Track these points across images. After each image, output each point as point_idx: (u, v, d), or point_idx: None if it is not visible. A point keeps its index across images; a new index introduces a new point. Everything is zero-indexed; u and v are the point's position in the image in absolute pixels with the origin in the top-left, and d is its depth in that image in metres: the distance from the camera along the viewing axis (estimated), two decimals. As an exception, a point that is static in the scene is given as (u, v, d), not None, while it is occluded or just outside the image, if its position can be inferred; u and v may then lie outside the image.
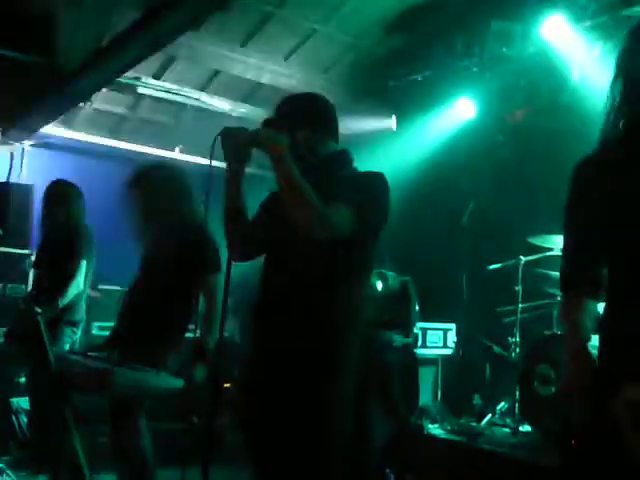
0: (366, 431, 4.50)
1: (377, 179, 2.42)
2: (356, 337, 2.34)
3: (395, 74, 6.51)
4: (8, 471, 4.11)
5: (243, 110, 6.63)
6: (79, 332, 4.75)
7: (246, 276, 2.70)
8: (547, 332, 4.84)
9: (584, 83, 5.35)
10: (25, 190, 6.01)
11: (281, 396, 2.29)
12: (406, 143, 6.61)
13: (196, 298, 3.58)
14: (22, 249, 5.67)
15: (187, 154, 7.18)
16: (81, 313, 4.75)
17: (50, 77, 5.24)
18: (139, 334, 3.46)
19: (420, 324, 5.50)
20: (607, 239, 1.79)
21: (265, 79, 6.40)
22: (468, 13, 5.80)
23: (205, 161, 6.47)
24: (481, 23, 5.72)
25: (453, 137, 6.50)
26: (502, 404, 4.86)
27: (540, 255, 5.02)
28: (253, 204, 2.61)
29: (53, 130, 6.48)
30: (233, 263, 2.24)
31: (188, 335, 3.62)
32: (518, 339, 4.98)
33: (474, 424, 4.72)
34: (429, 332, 5.61)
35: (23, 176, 6.60)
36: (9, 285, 5.55)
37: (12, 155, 6.62)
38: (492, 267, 5.30)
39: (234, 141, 2.26)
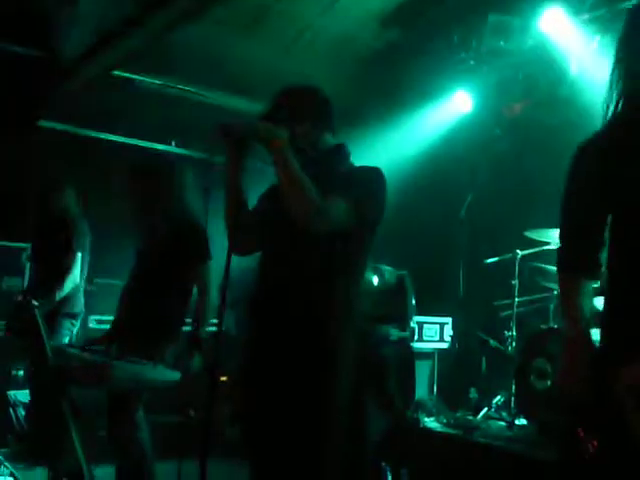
0: (362, 425, 4.51)
1: (374, 174, 2.43)
2: (353, 331, 2.35)
3: (392, 67, 6.50)
4: (6, 463, 4.12)
5: (240, 103, 6.61)
6: (78, 324, 4.77)
7: (243, 270, 2.70)
8: (543, 326, 4.86)
9: (582, 76, 5.34)
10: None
11: (278, 389, 2.30)
12: (404, 136, 6.60)
13: (191, 289, 3.59)
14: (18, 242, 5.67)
15: (183, 147, 7.16)
16: (79, 306, 4.77)
17: (48, 71, 5.23)
18: (136, 327, 3.47)
19: (417, 318, 5.51)
20: (608, 221, 1.80)
21: (262, 72, 6.38)
22: (465, 6, 5.78)
23: (201, 155, 6.47)
24: (479, 16, 5.70)
25: (451, 130, 6.49)
26: (498, 398, 4.87)
27: (537, 249, 5.02)
28: (253, 197, 2.61)
29: (50, 124, 6.46)
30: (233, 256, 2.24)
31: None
32: (514, 333, 4.99)
33: (470, 418, 4.73)
34: (425, 326, 5.61)
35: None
36: (6, 278, 5.55)
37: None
38: (489, 261, 5.32)
39: (234, 135, 2.26)
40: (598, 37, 5.21)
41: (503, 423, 4.62)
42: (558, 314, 4.85)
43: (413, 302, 5.45)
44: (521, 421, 4.54)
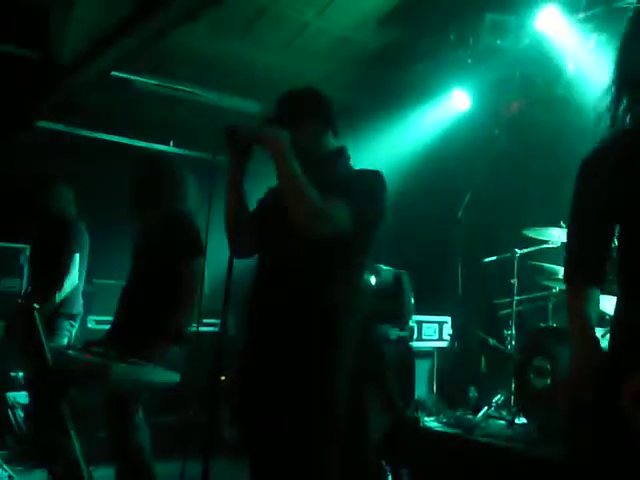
0: (364, 425, 4.51)
1: (375, 177, 2.44)
2: (353, 333, 2.35)
3: (389, 67, 6.50)
4: (5, 466, 4.12)
5: (238, 103, 6.62)
6: (77, 325, 4.77)
7: (243, 271, 2.70)
8: (543, 325, 4.86)
9: (579, 75, 5.35)
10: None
11: (277, 391, 2.29)
12: (401, 136, 6.60)
13: (188, 287, 3.58)
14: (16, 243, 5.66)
15: (181, 148, 7.16)
16: (78, 307, 4.77)
17: (45, 71, 5.22)
18: (135, 328, 3.47)
19: (416, 317, 5.51)
20: (619, 229, 1.80)
21: (260, 73, 6.39)
22: (462, 5, 5.78)
23: (199, 155, 6.47)
24: (475, 15, 5.70)
25: (448, 129, 6.50)
26: (498, 396, 4.87)
27: (535, 247, 5.03)
28: (252, 200, 2.61)
29: (48, 124, 6.45)
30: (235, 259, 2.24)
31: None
32: (514, 332, 4.99)
33: (470, 417, 4.72)
34: (425, 325, 5.61)
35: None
36: (4, 279, 5.54)
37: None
38: (487, 260, 5.32)
39: (237, 137, 2.26)
40: (594, 35, 5.22)
41: (503, 422, 4.62)
42: (558, 312, 4.86)
43: (412, 301, 5.45)
44: (521, 420, 4.54)
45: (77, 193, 4.99)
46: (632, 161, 1.77)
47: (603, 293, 1.94)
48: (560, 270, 4.60)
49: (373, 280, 5.11)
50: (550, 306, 4.98)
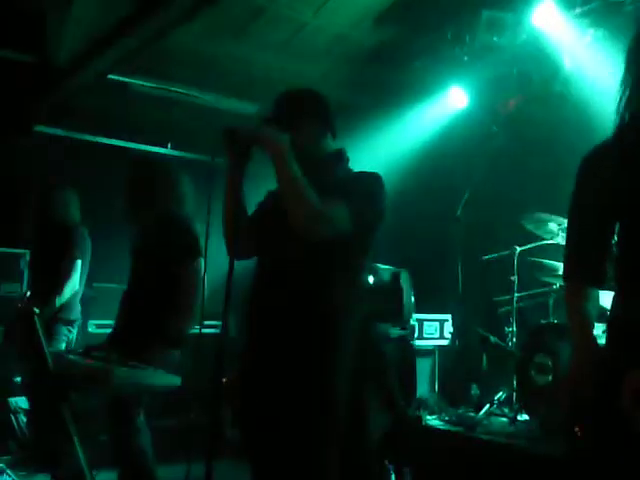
0: (364, 425, 4.52)
1: (373, 179, 2.43)
2: (352, 335, 2.35)
3: (386, 65, 6.50)
4: (8, 471, 4.11)
5: (235, 105, 6.61)
6: (75, 331, 4.77)
7: (243, 273, 2.70)
8: (543, 321, 4.86)
9: (577, 71, 5.35)
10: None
11: (277, 393, 2.30)
12: (399, 134, 6.60)
13: (187, 289, 3.58)
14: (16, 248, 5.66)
15: (179, 150, 7.16)
16: (76, 312, 4.77)
17: (42, 75, 5.22)
18: (136, 332, 3.47)
19: (416, 315, 5.51)
20: (619, 227, 1.80)
21: (257, 73, 6.38)
22: (458, 2, 5.78)
23: (197, 157, 6.47)
24: (472, 12, 5.70)
25: (446, 127, 6.50)
26: (500, 394, 4.86)
27: (535, 244, 5.03)
28: (251, 203, 2.61)
29: (47, 129, 6.45)
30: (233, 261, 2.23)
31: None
32: (515, 328, 4.99)
33: (472, 414, 4.72)
34: (425, 323, 5.62)
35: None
36: (4, 284, 5.54)
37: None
38: (487, 257, 5.32)
39: (236, 139, 2.25)
40: (591, 31, 5.21)
41: (505, 419, 4.62)
42: (559, 309, 4.86)
43: (412, 300, 5.45)
44: (523, 416, 4.54)
45: (76, 197, 4.99)
46: (635, 158, 1.76)
47: (604, 289, 1.94)
48: (560, 266, 4.60)
49: (371, 279, 5.11)
50: (551, 302, 4.97)
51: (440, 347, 5.66)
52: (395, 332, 5.27)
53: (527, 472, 3.81)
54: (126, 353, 3.11)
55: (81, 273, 4.68)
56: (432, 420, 4.71)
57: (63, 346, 4.63)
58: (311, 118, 2.47)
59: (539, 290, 5.09)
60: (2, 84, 5.43)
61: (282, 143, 2.22)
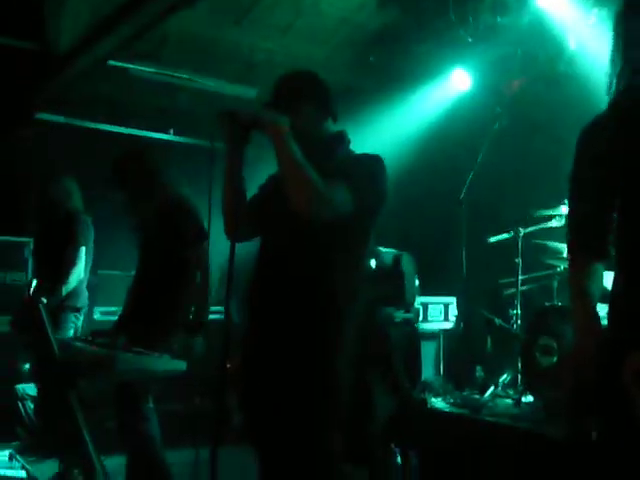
0: (369, 408, 4.53)
1: (375, 161, 2.41)
2: (355, 319, 2.34)
3: (390, 47, 6.46)
4: (18, 457, 4.15)
5: (238, 90, 6.58)
6: (82, 318, 4.79)
7: (246, 258, 2.70)
8: (548, 303, 4.85)
9: (581, 50, 5.30)
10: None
11: (279, 378, 2.30)
12: (402, 117, 6.57)
13: (194, 276, 3.59)
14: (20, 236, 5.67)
15: (181, 136, 7.15)
16: (83, 299, 4.79)
17: (42, 63, 5.21)
18: (141, 318, 3.49)
19: (421, 299, 5.51)
20: (619, 202, 1.79)
21: (259, 57, 6.35)
22: (462, -16, 5.74)
23: (199, 142, 6.45)
24: (475, -7, 5.66)
25: (450, 109, 6.46)
26: (504, 376, 4.87)
27: (540, 226, 5.01)
28: (253, 187, 2.60)
29: (48, 116, 6.44)
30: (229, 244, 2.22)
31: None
32: (519, 311, 4.98)
33: (477, 396, 4.73)
34: (430, 306, 5.62)
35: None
36: (9, 273, 5.55)
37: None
38: (491, 240, 5.30)
39: (234, 122, 2.23)
40: (595, 10, 5.16)
41: (510, 401, 4.62)
42: (563, 291, 4.85)
43: (416, 283, 5.45)
44: (528, 398, 4.55)
45: (79, 184, 4.99)
46: (630, 132, 1.75)
47: (606, 269, 1.93)
48: (564, 248, 4.59)
49: (373, 263, 5.10)
50: (555, 285, 4.96)
51: (445, 330, 5.67)
52: (400, 316, 5.27)
53: (532, 454, 3.82)
54: (133, 339, 3.13)
55: (85, 260, 4.69)
56: (437, 403, 4.72)
57: (71, 333, 4.66)
58: (310, 100, 2.45)
59: (543, 272, 5.08)
60: (2, 72, 5.42)
61: (281, 125, 2.20)
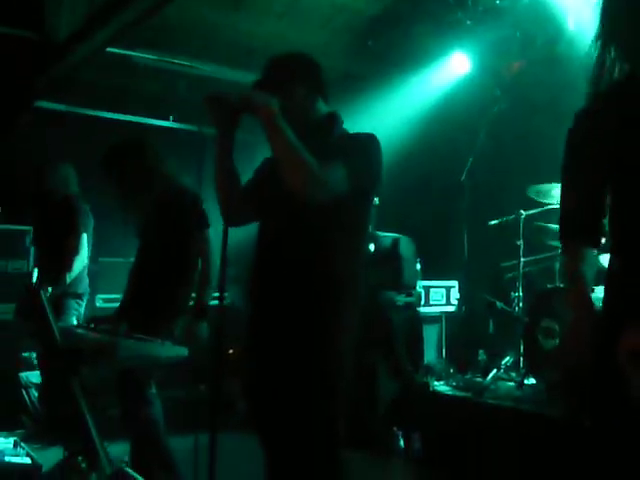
0: (373, 391, 4.55)
1: (369, 140, 2.38)
2: (355, 300, 2.33)
3: (388, 32, 6.42)
4: (22, 444, 4.17)
5: (238, 76, 6.56)
6: (84, 305, 4.80)
7: (248, 243, 2.70)
8: (550, 285, 4.86)
9: (580, 32, 5.27)
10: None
11: (280, 364, 2.29)
12: (402, 101, 6.55)
13: (195, 261, 3.59)
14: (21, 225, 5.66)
15: (181, 122, 7.13)
16: (84, 286, 4.81)
17: (41, 51, 5.18)
18: (142, 304, 3.49)
19: (423, 282, 5.52)
20: (612, 187, 1.78)
21: (258, 43, 6.32)
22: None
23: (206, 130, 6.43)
24: (474, -25, 5.63)
25: (449, 93, 6.44)
26: (507, 359, 4.89)
27: (540, 209, 5.01)
28: (249, 171, 2.59)
29: (48, 104, 6.42)
30: (231, 229, 2.21)
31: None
32: (521, 293, 4.99)
33: (479, 379, 4.75)
34: (432, 290, 5.63)
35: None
36: (11, 261, 5.56)
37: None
38: (492, 223, 5.30)
39: (222, 106, 2.20)
40: (596, -10, 5.13)
41: (512, 383, 4.64)
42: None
43: (417, 267, 5.45)
44: (530, 381, 4.57)
45: (79, 172, 4.99)
46: (622, 117, 1.74)
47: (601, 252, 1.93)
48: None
49: (371, 247, 5.10)
50: (556, 267, 4.97)
51: (447, 313, 5.68)
52: (401, 299, 5.28)
53: (534, 436, 3.84)
54: (134, 326, 3.14)
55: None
56: (440, 386, 4.74)
57: (74, 320, 4.67)
58: (301, 81, 2.41)
59: (545, 255, 5.08)
60: (1, 60, 5.39)
61: (271, 106, 2.16)
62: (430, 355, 5.34)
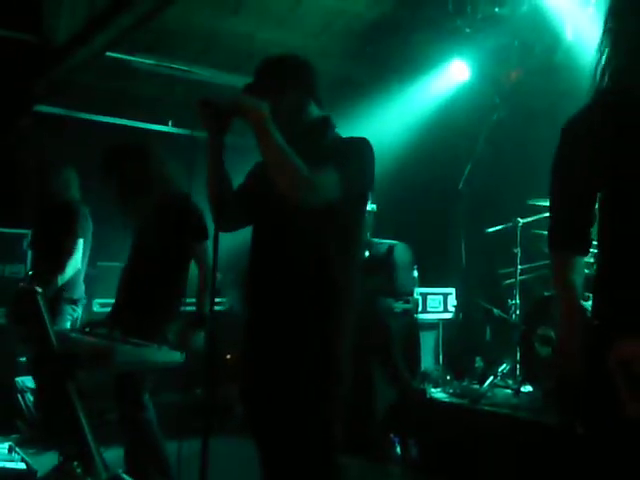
0: (370, 398, 4.54)
1: (362, 144, 2.36)
2: (351, 306, 2.32)
3: (387, 38, 6.44)
4: (17, 449, 4.15)
5: (236, 81, 6.56)
6: (80, 310, 4.79)
7: (245, 249, 2.69)
8: (546, 293, 4.86)
9: (578, 41, 5.29)
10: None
11: (277, 368, 2.29)
12: (401, 108, 6.56)
13: (188, 267, 3.59)
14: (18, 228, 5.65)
15: (179, 127, 7.12)
16: (80, 291, 4.79)
17: (40, 55, 5.19)
18: (136, 309, 3.48)
19: (420, 289, 5.52)
20: (604, 194, 1.78)
21: (257, 48, 6.33)
22: (460, -26, 5.72)
23: (198, 134, 6.42)
24: (473, -17, 5.64)
25: (448, 100, 6.45)
26: (504, 366, 4.89)
27: (538, 216, 5.01)
28: (241, 175, 2.58)
29: (47, 108, 6.42)
30: (223, 234, 2.19)
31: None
32: (518, 301, 4.99)
33: (476, 386, 4.75)
34: (429, 297, 5.63)
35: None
36: (7, 265, 5.54)
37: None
38: (490, 230, 5.30)
39: (213, 110, 2.19)
40: (593, 1, 5.14)
41: (509, 391, 4.64)
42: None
43: (414, 274, 5.45)
44: (527, 388, 4.57)
45: (77, 175, 4.98)
46: (614, 126, 1.74)
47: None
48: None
49: (366, 254, 5.10)
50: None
51: (444, 320, 5.68)
52: (399, 306, 5.28)
53: (531, 443, 3.83)
54: (129, 331, 3.13)
55: (83, 252, 4.68)
56: (437, 393, 4.74)
57: (68, 325, 4.65)
58: (294, 84, 2.40)
59: (542, 262, 5.08)
60: (1, 64, 5.40)
61: (261, 110, 2.14)
62: (427, 362, 5.34)
